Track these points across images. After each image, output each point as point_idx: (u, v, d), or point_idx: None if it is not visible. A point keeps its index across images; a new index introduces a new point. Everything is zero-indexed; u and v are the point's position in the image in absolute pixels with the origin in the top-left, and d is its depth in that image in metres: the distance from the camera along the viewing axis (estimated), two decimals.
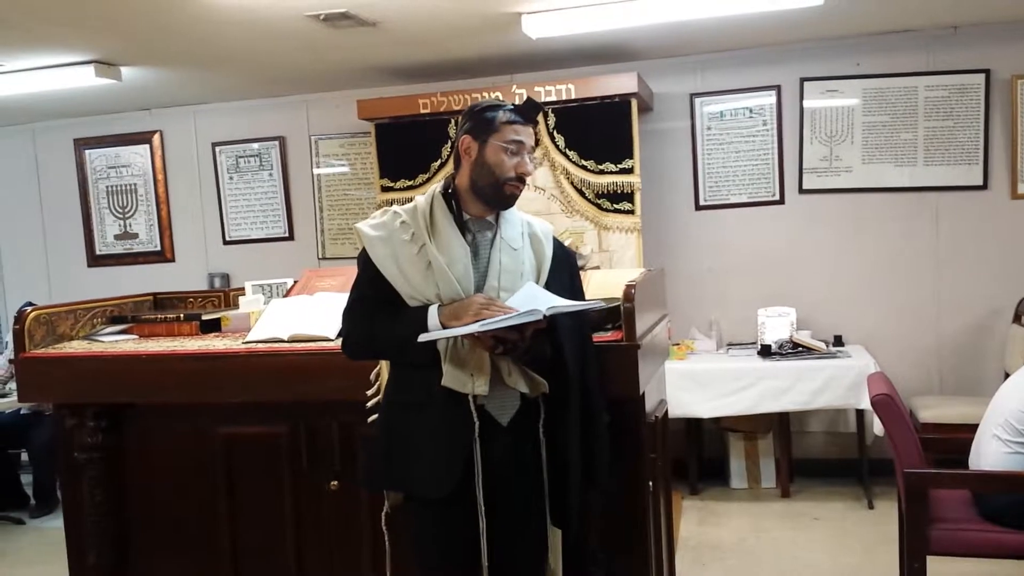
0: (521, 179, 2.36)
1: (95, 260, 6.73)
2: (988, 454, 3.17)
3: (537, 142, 5.06)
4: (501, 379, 2.30)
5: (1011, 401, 3.17)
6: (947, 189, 5.24)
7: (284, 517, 3.05)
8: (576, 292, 2.49)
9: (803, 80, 5.36)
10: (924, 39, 5.20)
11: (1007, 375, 4.10)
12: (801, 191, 5.42)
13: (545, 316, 2.15)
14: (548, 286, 2.36)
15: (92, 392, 3.07)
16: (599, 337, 2.62)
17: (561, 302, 2.24)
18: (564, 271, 2.47)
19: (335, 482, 2.97)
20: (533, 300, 2.22)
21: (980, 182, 5.19)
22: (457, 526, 2.32)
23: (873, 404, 3.27)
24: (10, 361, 5.44)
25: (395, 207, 2.43)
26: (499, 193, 2.35)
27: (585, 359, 2.43)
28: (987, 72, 5.13)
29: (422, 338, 2.18)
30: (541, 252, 2.43)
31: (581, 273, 2.72)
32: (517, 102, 5.28)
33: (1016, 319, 4.95)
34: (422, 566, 2.41)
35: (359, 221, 2.45)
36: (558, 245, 2.51)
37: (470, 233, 2.37)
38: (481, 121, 2.38)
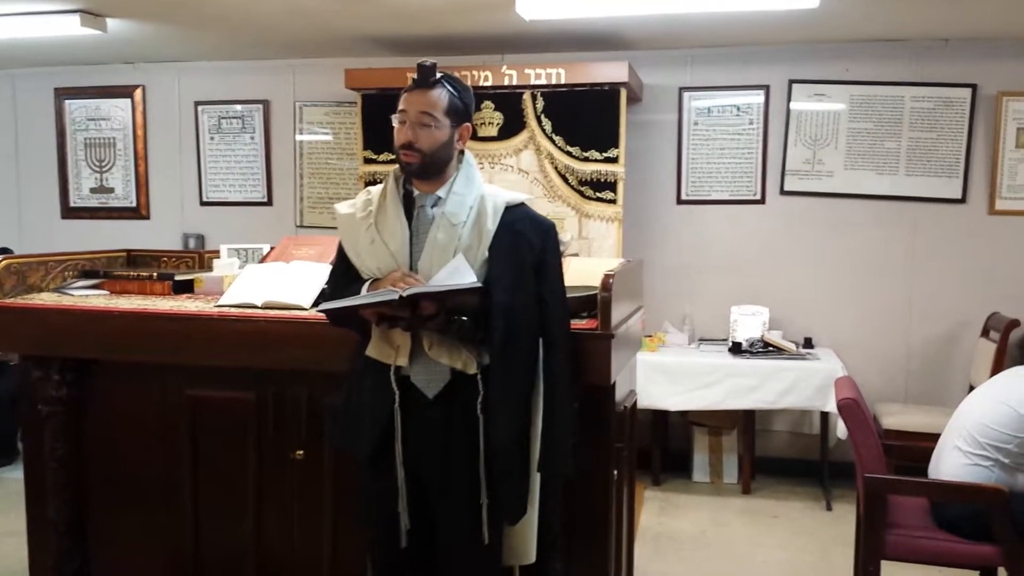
0: (405, 147, 2.34)
1: (69, 212, 6.63)
2: (948, 464, 3.21)
3: (520, 126, 5.09)
4: (424, 352, 2.33)
5: (974, 413, 3.21)
6: (926, 200, 5.28)
7: (247, 482, 3.03)
8: (537, 268, 2.37)
9: (792, 82, 5.38)
10: (914, 50, 5.23)
11: (972, 387, 4.16)
12: (782, 192, 5.45)
13: (402, 297, 2.19)
14: (491, 262, 2.33)
15: (60, 345, 3.04)
16: (574, 325, 2.60)
17: (459, 281, 2.25)
18: (520, 246, 2.35)
19: (300, 451, 2.95)
20: (455, 274, 2.26)
21: (959, 195, 5.24)
22: (384, 493, 2.40)
23: (839, 408, 3.30)
24: None
25: (373, 188, 2.51)
26: (401, 165, 2.39)
27: (549, 343, 2.37)
28: (974, 87, 5.17)
29: (320, 307, 2.37)
30: (482, 227, 2.36)
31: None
32: (506, 82, 5.28)
33: (984, 333, 5.02)
34: (363, 526, 2.55)
35: (339, 190, 2.51)
36: (525, 219, 2.41)
37: (416, 209, 2.40)
38: None
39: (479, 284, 2.25)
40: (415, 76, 2.38)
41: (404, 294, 2.19)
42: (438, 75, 2.37)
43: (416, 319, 2.26)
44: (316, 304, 2.59)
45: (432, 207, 2.39)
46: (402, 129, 2.35)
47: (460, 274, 2.26)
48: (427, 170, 2.37)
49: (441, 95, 2.36)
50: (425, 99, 2.34)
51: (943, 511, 3.18)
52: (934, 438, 3.46)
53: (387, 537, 2.43)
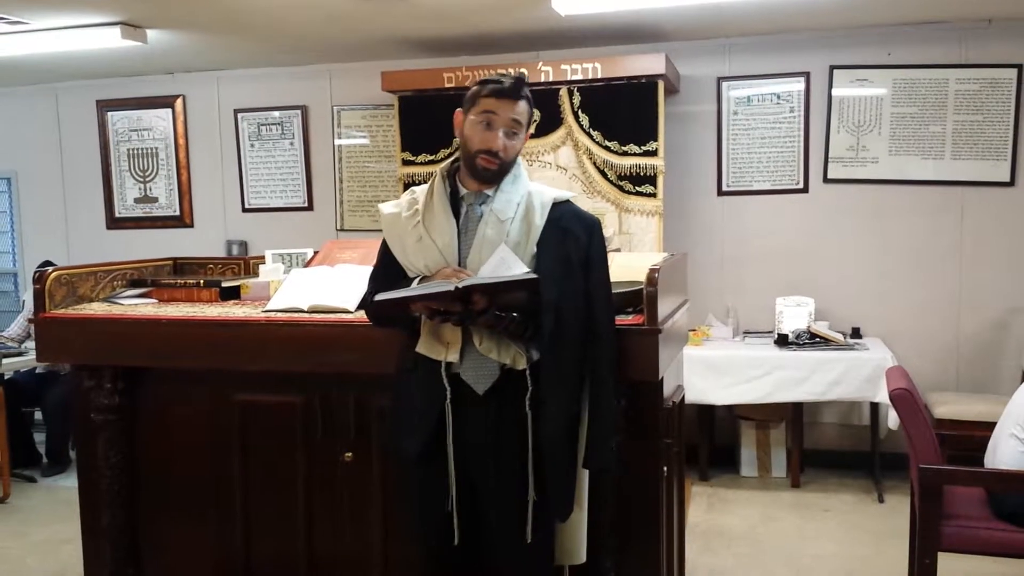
0: (491, 153, 2.34)
1: (114, 223, 6.74)
2: (1005, 453, 3.15)
3: (558, 122, 5.07)
4: (475, 348, 2.34)
5: None
6: (973, 184, 5.18)
7: (296, 486, 3.05)
8: (583, 263, 2.37)
9: (833, 68, 5.30)
10: (957, 31, 5.13)
11: None
12: (826, 180, 5.37)
13: (457, 288, 2.19)
14: (539, 257, 2.33)
15: (111, 354, 3.08)
16: (620, 320, 2.59)
17: (506, 272, 2.25)
18: (567, 242, 2.36)
19: (349, 454, 2.97)
20: (501, 265, 2.26)
21: (1007, 178, 5.13)
22: (433, 489, 2.41)
23: (892, 398, 3.25)
24: (29, 320, 5.47)
25: (417, 187, 2.52)
26: (473, 166, 2.39)
27: (595, 337, 2.36)
28: (1019, 67, 5.05)
29: (378, 297, 2.35)
30: (530, 222, 2.37)
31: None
32: (542, 79, 5.25)
33: None
34: (412, 524, 2.55)
35: (378, 192, 2.52)
36: (571, 216, 2.41)
37: (464, 207, 2.41)
38: (469, 95, 2.43)
39: (533, 275, 2.24)
40: (501, 83, 2.36)
41: (460, 285, 2.19)
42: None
43: (467, 313, 2.26)
44: (361, 306, 2.58)
45: (480, 205, 2.40)
46: (493, 135, 2.34)
47: (507, 265, 2.27)
48: (500, 176, 2.40)
49: (525, 107, 2.39)
50: (516, 109, 2.37)
51: (1001, 501, 3.12)
52: (988, 427, 3.40)
53: (436, 536, 2.43)
